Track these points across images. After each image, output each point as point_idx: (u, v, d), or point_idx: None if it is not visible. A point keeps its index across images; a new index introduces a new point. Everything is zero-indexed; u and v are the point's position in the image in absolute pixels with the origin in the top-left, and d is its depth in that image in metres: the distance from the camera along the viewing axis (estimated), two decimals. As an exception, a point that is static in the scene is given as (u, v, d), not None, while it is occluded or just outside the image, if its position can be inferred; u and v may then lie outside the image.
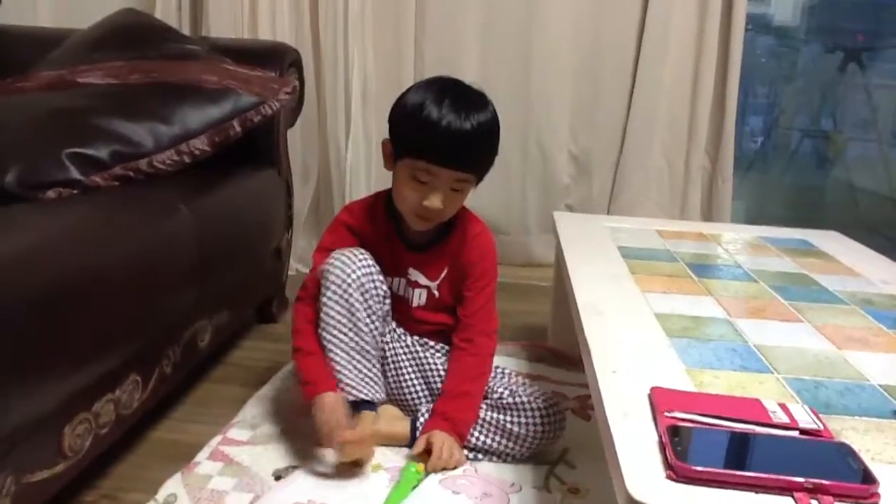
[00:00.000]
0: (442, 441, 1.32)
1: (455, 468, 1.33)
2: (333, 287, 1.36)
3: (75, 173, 1.46)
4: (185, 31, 2.37)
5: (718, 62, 2.47)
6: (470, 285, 1.45)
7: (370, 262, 1.39)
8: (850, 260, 1.59)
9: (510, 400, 1.37)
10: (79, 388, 1.12)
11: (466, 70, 2.47)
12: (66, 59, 1.75)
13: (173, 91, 1.67)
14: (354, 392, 1.34)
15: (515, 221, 2.62)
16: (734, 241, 1.75)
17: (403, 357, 1.46)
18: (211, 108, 1.66)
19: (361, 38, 2.44)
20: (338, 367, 1.35)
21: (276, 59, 1.91)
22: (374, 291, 1.38)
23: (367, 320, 1.37)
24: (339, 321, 1.36)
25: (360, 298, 1.36)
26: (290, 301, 2.05)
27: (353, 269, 1.36)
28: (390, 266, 1.45)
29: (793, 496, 0.70)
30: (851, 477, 0.72)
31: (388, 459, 1.35)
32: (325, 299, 1.36)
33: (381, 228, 1.45)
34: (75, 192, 1.45)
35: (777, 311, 1.25)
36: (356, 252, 1.39)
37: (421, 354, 1.47)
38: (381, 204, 1.47)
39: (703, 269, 1.47)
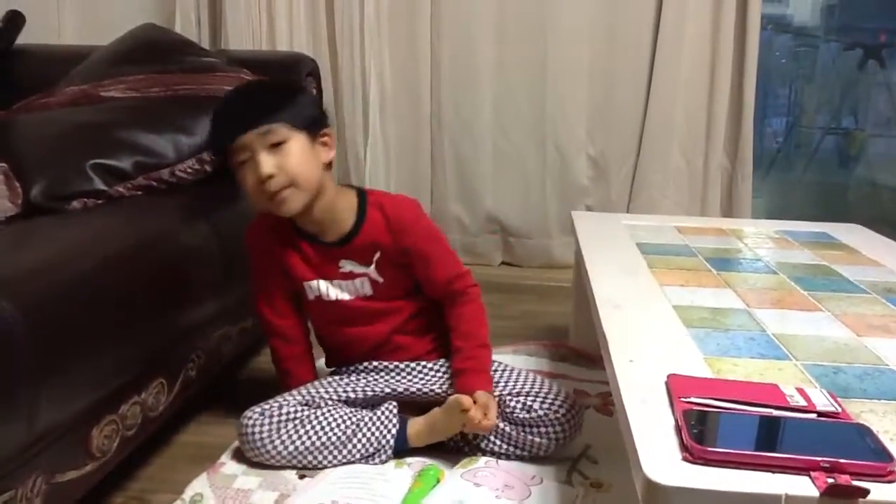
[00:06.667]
0: (488, 400, 1.32)
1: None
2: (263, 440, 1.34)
3: (99, 184, 1.50)
4: (205, 44, 2.41)
5: (735, 60, 2.47)
6: (422, 265, 1.41)
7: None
8: (871, 251, 1.58)
9: (525, 415, 1.36)
10: (106, 392, 1.14)
11: (482, 74, 2.50)
12: (89, 75, 1.78)
13: (193, 102, 1.70)
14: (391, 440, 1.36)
15: (535, 224, 2.63)
16: (753, 235, 1.74)
17: (387, 377, 1.46)
18: (230, 118, 1.68)
19: (378, 46, 2.47)
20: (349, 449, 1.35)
21: (293, 68, 1.93)
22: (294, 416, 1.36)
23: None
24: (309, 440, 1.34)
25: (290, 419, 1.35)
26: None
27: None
28: (316, 269, 1.41)
29: (809, 475, 0.70)
30: (869, 456, 0.72)
31: (412, 456, 1.37)
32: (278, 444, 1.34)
33: (291, 240, 1.42)
34: (100, 202, 1.48)
35: (797, 301, 1.25)
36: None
37: (403, 372, 1.47)
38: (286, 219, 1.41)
39: (721, 262, 1.47)
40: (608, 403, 1.58)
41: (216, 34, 2.49)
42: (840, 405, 0.84)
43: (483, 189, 2.61)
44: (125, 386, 1.20)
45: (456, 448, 1.38)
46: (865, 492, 0.68)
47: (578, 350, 1.87)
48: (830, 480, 0.69)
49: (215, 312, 1.50)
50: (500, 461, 1.36)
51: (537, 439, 1.36)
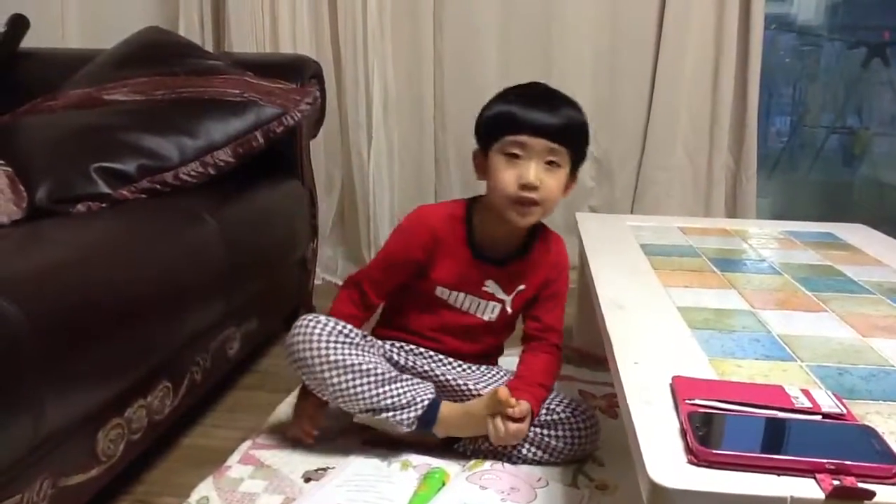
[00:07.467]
0: (528, 412, 1.32)
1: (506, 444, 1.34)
2: (316, 350, 1.32)
3: (103, 187, 1.50)
4: (208, 46, 2.41)
5: (738, 59, 2.46)
6: (547, 302, 1.46)
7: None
8: (876, 251, 1.58)
9: (547, 418, 1.38)
10: (111, 395, 1.14)
11: (486, 74, 2.49)
12: (93, 78, 1.79)
13: (197, 105, 1.70)
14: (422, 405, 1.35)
15: (539, 225, 2.63)
16: (758, 235, 1.74)
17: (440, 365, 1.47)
18: (234, 121, 1.69)
19: (381, 49, 2.47)
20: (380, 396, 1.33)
21: (296, 71, 1.94)
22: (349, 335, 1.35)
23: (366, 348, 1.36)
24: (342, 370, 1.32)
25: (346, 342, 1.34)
26: (316, 310, 2.07)
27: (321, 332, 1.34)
28: (464, 280, 1.42)
29: (815, 477, 0.70)
30: (875, 458, 0.72)
31: (417, 458, 1.37)
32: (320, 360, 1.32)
33: (455, 242, 1.42)
34: (104, 205, 1.49)
35: (801, 301, 1.25)
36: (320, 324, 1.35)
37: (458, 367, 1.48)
38: (461, 216, 1.43)
39: (725, 263, 1.47)
40: (613, 405, 1.58)
41: (220, 37, 2.49)
42: (845, 407, 0.83)
43: (487, 190, 2.60)
44: (130, 389, 1.20)
45: (463, 451, 1.38)
46: (871, 494, 0.68)
47: (583, 351, 1.87)
48: (836, 482, 0.69)
49: (220, 315, 1.50)
50: (505, 464, 1.36)
51: (553, 442, 1.36)
